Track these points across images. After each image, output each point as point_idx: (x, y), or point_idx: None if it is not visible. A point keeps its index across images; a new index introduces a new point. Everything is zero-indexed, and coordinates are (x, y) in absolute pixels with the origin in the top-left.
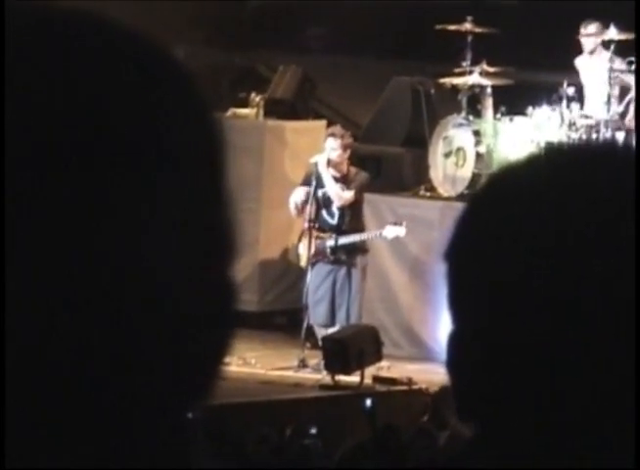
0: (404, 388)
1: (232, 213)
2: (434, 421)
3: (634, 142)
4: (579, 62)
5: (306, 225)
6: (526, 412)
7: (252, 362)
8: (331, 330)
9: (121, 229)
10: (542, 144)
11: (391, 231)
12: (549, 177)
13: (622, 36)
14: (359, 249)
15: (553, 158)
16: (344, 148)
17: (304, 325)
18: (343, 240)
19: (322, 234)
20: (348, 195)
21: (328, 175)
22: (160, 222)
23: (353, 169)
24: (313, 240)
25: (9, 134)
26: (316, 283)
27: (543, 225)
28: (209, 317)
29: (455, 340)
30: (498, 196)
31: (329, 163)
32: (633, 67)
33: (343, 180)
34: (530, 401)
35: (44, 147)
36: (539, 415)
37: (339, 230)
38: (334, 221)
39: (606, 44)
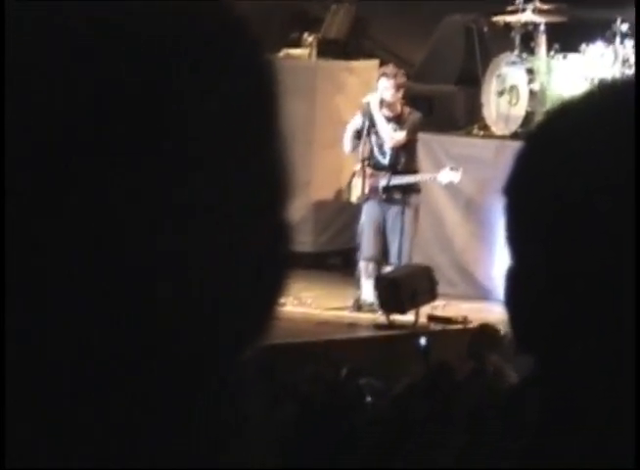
0: (459, 327)
1: (286, 155)
2: (473, 359)
3: None
4: None
5: (359, 165)
6: (589, 339)
7: (308, 302)
8: (383, 268)
9: (181, 170)
10: (596, 81)
11: (446, 176)
12: (606, 113)
13: None
14: (412, 188)
15: (609, 94)
16: (397, 87)
17: (359, 265)
18: (396, 180)
19: (376, 172)
20: (400, 136)
21: (380, 115)
22: (215, 165)
23: (407, 109)
24: (367, 178)
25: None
26: (367, 220)
27: (601, 161)
28: (267, 258)
29: (515, 273)
30: (556, 132)
31: (382, 103)
32: None
33: (397, 120)
34: (593, 328)
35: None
36: (601, 342)
37: (393, 170)
38: (386, 161)
39: None
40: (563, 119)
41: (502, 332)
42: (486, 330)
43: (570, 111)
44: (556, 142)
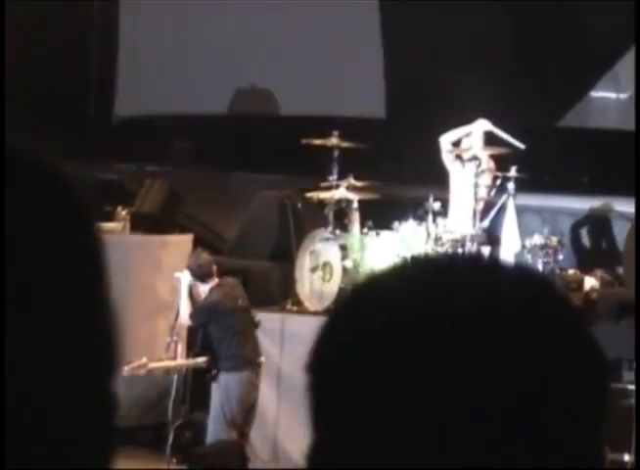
0: None
1: (113, 324)
2: None
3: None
4: (454, 171)
5: (169, 339)
6: None
7: None
8: None
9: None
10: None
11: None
12: (407, 289)
13: (494, 151)
14: (225, 366)
15: (413, 270)
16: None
17: (169, 441)
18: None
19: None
20: (186, 320)
21: (185, 294)
22: (41, 333)
23: (211, 288)
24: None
25: None
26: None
27: (398, 338)
28: (91, 428)
29: (317, 449)
30: (355, 308)
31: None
32: (498, 182)
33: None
34: None
35: None
36: None
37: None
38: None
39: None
40: (363, 295)
41: None
42: None
43: (371, 286)
44: (356, 316)
